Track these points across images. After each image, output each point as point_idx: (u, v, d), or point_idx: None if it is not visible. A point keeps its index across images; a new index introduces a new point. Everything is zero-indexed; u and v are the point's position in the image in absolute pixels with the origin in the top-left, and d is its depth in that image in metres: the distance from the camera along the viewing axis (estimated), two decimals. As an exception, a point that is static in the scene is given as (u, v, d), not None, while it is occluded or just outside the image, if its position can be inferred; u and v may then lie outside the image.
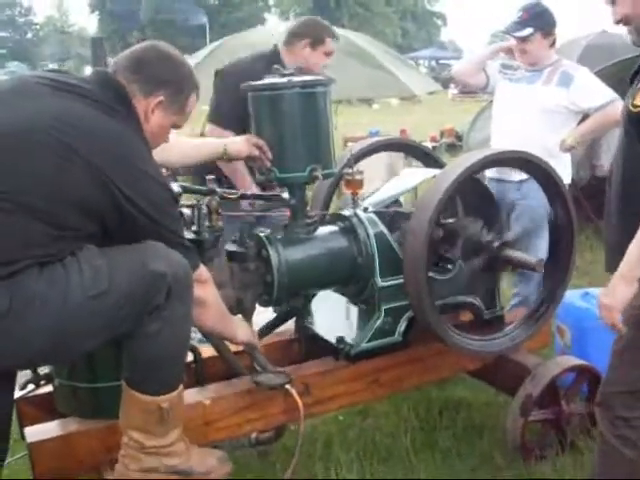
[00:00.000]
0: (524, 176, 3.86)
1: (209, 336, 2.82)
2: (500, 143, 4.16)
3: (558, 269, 3.19)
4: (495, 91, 4.38)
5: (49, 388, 2.78)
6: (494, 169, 4.05)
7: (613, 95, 3.99)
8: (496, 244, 3.03)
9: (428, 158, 3.73)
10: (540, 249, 3.78)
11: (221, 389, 2.80)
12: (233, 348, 2.92)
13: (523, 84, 4.21)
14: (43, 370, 2.82)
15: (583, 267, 5.84)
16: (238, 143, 2.92)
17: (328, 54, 4.13)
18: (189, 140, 2.87)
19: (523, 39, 4.12)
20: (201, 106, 2.68)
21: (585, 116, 4.11)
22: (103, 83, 2.26)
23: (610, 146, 5.81)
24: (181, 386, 2.36)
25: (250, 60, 4.16)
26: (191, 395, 2.70)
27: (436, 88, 29.22)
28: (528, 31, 4.08)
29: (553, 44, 4.17)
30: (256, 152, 2.86)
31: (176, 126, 2.46)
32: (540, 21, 4.10)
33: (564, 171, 3.64)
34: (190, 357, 2.82)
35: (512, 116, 4.20)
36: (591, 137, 4.41)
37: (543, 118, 4.07)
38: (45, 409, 2.75)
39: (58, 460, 2.48)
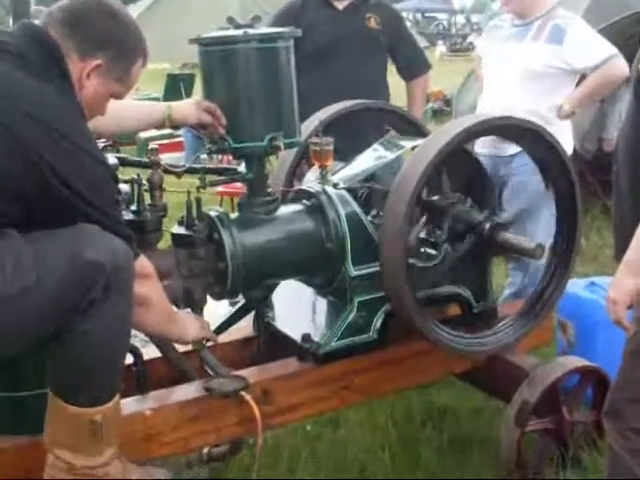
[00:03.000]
0: (516, 149, 3.83)
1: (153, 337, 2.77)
2: (486, 111, 4.10)
3: (560, 254, 3.17)
4: (483, 56, 4.34)
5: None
6: (484, 144, 4.01)
7: (612, 51, 3.94)
8: (488, 226, 3.01)
9: (410, 126, 3.69)
10: (536, 234, 3.77)
11: (165, 397, 2.76)
12: (181, 348, 2.89)
13: (510, 42, 4.15)
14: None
15: (589, 252, 5.87)
16: (185, 107, 2.87)
17: None
18: (125, 103, 2.78)
19: None
20: (148, 65, 2.59)
21: (583, 76, 4.07)
22: (31, 38, 2.20)
23: (622, 117, 5.82)
24: (117, 396, 2.31)
25: None
26: (130, 404, 2.66)
27: (422, 45, 29.25)
28: None
29: None
30: (207, 118, 2.80)
31: (116, 96, 2.40)
32: None
33: (564, 141, 3.59)
34: (130, 359, 2.78)
35: (499, 81, 4.15)
36: (591, 101, 4.36)
37: (533, 81, 4.02)
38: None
39: (-31, 483, 2.43)
